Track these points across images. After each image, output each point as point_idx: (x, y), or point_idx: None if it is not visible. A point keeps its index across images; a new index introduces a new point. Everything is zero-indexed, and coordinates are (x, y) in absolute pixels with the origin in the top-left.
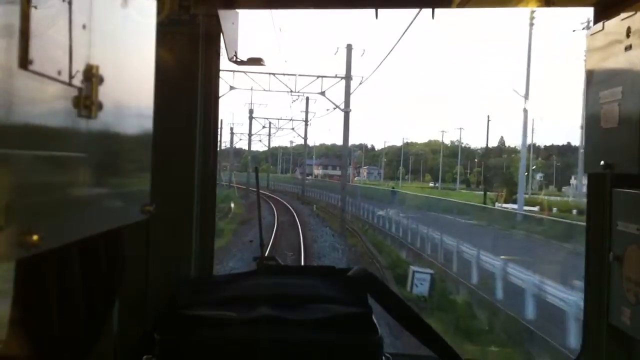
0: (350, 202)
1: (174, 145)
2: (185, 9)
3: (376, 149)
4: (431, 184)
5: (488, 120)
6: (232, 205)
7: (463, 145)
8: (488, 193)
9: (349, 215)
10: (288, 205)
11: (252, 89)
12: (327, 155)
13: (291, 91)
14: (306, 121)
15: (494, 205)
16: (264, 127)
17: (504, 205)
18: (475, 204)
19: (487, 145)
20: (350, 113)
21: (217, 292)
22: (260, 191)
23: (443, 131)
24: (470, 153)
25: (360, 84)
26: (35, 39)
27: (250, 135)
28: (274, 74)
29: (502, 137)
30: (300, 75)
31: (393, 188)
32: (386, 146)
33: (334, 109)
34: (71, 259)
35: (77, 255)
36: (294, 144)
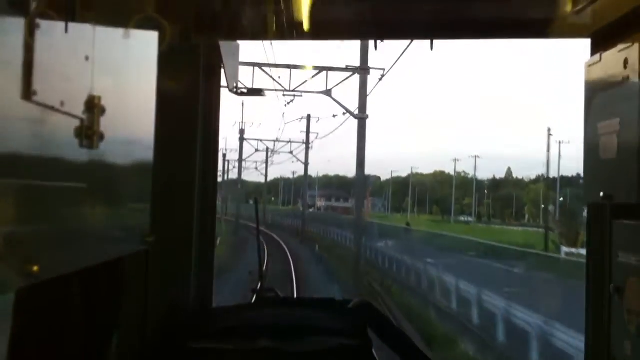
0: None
1: (174, 176)
2: (186, 39)
3: (381, 180)
4: (439, 217)
5: (549, 135)
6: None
7: (470, 176)
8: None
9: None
10: (284, 246)
11: (242, 105)
12: (330, 186)
13: (285, 90)
14: (307, 143)
15: (560, 251)
16: (257, 150)
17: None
18: (533, 250)
19: (552, 172)
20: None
21: (216, 324)
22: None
23: (456, 159)
24: (478, 184)
25: (382, 77)
26: (38, 70)
27: (240, 161)
28: (259, 65)
29: (509, 169)
30: (296, 67)
31: (408, 225)
32: (392, 176)
33: (346, 115)
34: (70, 290)
35: (77, 285)
36: (296, 175)
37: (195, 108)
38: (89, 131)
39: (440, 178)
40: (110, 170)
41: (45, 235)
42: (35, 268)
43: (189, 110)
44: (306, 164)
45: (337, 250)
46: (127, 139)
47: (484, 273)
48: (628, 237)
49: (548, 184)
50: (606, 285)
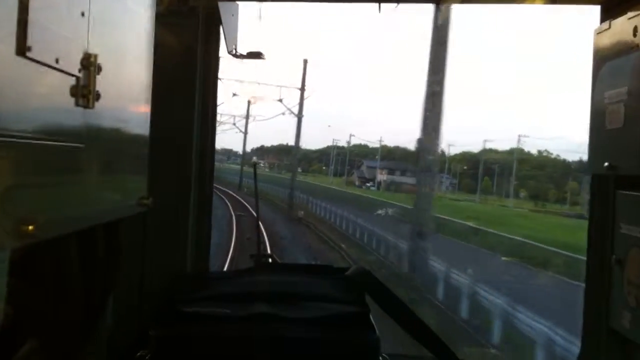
0: None
1: (172, 138)
2: (184, 0)
3: (446, 154)
4: (531, 204)
5: None
6: None
7: (553, 156)
8: None
9: None
10: None
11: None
12: (392, 158)
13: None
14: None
15: None
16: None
17: None
18: None
19: None
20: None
21: (213, 288)
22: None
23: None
24: (566, 167)
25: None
26: (33, 25)
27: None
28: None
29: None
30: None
31: None
32: (460, 152)
33: (283, 114)
34: (67, 252)
35: (74, 248)
36: (351, 144)
37: (193, 69)
38: (85, 90)
39: (520, 156)
40: (107, 130)
41: (41, 196)
42: (31, 228)
43: (187, 72)
44: None
45: None
46: (124, 99)
47: None
48: (631, 209)
49: None
50: (607, 256)
